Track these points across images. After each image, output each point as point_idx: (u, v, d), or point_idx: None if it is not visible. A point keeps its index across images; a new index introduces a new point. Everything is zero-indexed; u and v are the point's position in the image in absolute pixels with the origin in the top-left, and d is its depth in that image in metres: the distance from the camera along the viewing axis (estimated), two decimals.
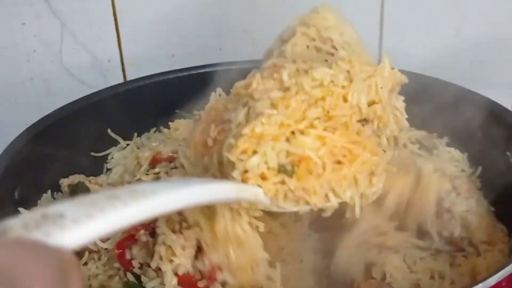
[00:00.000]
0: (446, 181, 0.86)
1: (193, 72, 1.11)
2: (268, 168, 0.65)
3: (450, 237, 0.84)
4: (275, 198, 0.66)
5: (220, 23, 1.26)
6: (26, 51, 1.20)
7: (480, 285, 0.66)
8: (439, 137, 1.02)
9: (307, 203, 0.67)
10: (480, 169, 0.97)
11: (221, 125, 0.72)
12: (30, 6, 1.16)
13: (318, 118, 0.67)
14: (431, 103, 1.02)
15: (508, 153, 0.92)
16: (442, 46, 1.26)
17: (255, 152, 0.65)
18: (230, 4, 1.24)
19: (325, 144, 0.66)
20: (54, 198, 0.98)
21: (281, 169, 0.66)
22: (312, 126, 0.67)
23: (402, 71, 1.08)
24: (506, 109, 0.95)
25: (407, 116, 0.76)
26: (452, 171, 0.89)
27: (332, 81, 0.69)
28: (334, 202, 0.68)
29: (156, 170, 0.91)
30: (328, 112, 0.68)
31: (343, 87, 0.69)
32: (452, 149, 1.00)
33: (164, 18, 1.23)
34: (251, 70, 1.11)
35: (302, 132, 0.66)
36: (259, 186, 0.65)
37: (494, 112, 0.95)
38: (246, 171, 0.65)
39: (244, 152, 0.65)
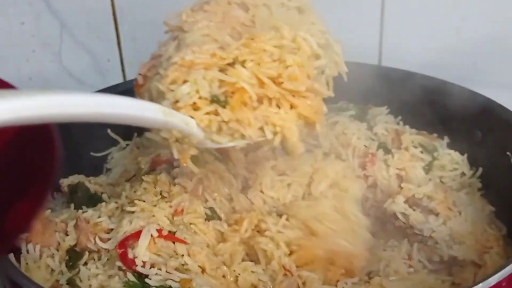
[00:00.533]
0: (418, 213, 0.86)
1: None
2: (200, 97, 0.63)
3: (441, 260, 0.85)
4: (209, 130, 0.64)
5: None
6: (25, 51, 1.20)
7: (480, 285, 0.67)
8: (439, 137, 1.02)
9: (243, 136, 0.65)
10: (480, 170, 0.97)
11: (152, 61, 0.71)
12: (29, 6, 1.16)
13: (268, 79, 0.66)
14: (431, 102, 1.02)
15: (508, 153, 0.92)
16: (442, 46, 1.25)
17: (185, 81, 0.64)
18: None
19: (263, 87, 0.65)
20: (54, 198, 0.97)
21: (214, 99, 0.64)
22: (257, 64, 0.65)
23: (402, 71, 1.09)
24: (506, 109, 0.95)
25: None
26: (426, 192, 0.88)
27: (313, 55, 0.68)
28: (269, 135, 0.66)
29: (157, 171, 0.92)
30: (282, 83, 0.66)
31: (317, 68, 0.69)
32: (452, 151, 0.99)
33: (164, 18, 1.23)
34: None
35: (242, 64, 0.65)
36: (192, 117, 0.63)
37: (494, 112, 0.95)
38: (177, 101, 0.63)
39: (174, 81, 0.64)
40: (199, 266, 0.78)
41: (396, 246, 0.87)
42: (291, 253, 0.81)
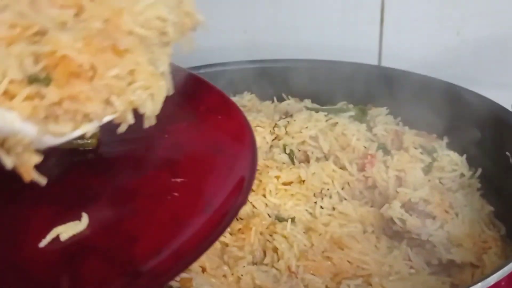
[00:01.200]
0: (414, 217, 0.86)
1: (193, 72, 1.11)
2: (12, 81, 0.49)
3: (439, 263, 0.84)
4: (41, 120, 0.50)
5: (220, 23, 1.25)
6: None
7: (479, 284, 0.66)
8: (438, 137, 1.02)
9: (87, 116, 0.52)
10: (480, 170, 0.97)
11: None
12: None
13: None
14: (431, 103, 1.02)
15: (507, 153, 0.92)
16: (442, 46, 1.26)
17: None
18: (230, 3, 1.24)
19: (90, 45, 0.52)
20: None
21: (32, 79, 0.50)
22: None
23: (402, 71, 1.09)
24: (506, 110, 0.95)
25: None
26: (422, 195, 0.88)
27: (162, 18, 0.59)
28: (119, 106, 0.53)
29: None
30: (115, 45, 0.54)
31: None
32: (451, 152, 0.99)
33: None
34: (250, 70, 1.11)
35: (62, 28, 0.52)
36: (11, 109, 0.49)
37: (494, 112, 0.96)
38: None
39: None
40: (199, 266, 0.79)
41: (396, 247, 0.87)
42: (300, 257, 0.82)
